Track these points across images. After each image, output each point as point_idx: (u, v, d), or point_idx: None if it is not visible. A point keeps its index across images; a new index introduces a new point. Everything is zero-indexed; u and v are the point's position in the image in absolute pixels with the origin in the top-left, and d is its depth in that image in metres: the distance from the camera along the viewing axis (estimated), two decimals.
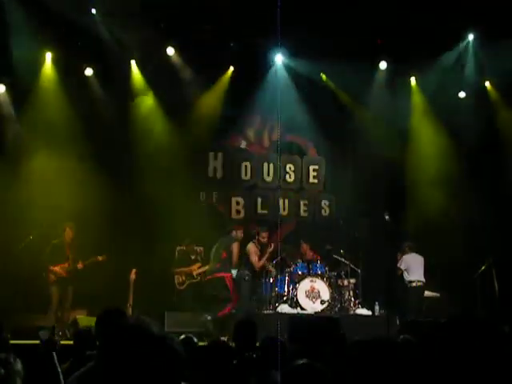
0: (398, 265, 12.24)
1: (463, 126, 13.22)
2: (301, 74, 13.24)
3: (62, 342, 9.48)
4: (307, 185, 14.33)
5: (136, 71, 12.79)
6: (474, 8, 11.16)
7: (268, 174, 14.13)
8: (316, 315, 11.51)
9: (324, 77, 13.63)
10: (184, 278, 12.06)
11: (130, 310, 10.70)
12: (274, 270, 12.07)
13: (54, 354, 4.62)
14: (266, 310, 11.71)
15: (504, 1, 11.01)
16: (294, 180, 14.25)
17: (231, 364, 4.15)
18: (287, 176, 14.23)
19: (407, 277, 12.20)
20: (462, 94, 13.70)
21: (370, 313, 11.94)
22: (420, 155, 13.72)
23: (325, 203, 14.32)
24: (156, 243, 11.99)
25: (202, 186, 13.73)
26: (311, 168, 14.34)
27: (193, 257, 12.26)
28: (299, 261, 12.38)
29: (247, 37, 12.29)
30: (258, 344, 5.43)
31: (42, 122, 11.90)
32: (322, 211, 14.28)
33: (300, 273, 12.16)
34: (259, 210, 13.99)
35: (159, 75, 12.82)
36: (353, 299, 12.24)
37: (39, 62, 12.15)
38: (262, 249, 12.08)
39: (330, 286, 12.05)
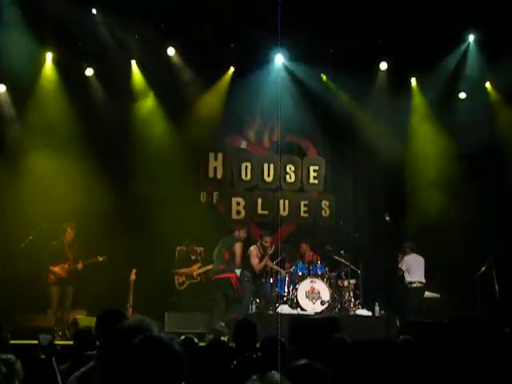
0: (399, 265, 12.24)
1: (463, 127, 13.21)
2: (301, 74, 13.23)
3: (62, 342, 9.53)
4: (307, 185, 14.32)
5: (136, 71, 12.78)
6: (474, 8, 11.17)
7: (268, 175, 14.13)
8: (316, 316, 11.51)
9: (324, 77, 13.62)
10: (184, 278, 12.06)
11: (130, 311, 10.70)
12: (280, 270, 12.12)
13: (54, 358, 4.62)
14: (270, 309, 11.73)
15: (504, 1, 11.00)
16: (295, 181, 14.25)
17: (231, 364, 4.15)
18: (287, 177, 14.22)
19: (408, 278, 12.20)
20: (462, 95, 13.70)
21: (370, 313, 11.93)
22: (420, 156, 13.71)
23: (325, 204, 14.31)
24: (156, 244, 11.99)
25: (202, 186, 13.73)
26: (311, 169, 14.34)
27: (193, 257, 12.26)
28: (299, 261, 12.38)
29: (247, 37, 12.29)
30: (258, 344, 5.43)
31: (43, 122, 11.90)
32: (323, 212, 14.27)
33: (300, 273, 12.15)
34: (259, 211, 13.98)
35: (159, 75, 12.83)
36: (353, 300, 12.23)
37: (39, 63, 12.15)
38: (264, 252, 12.08)
39: (330, 286, 12.04)
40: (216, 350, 4.35)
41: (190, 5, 11.41)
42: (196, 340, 5.02)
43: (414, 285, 12.15)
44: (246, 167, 14.03)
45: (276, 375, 2.48)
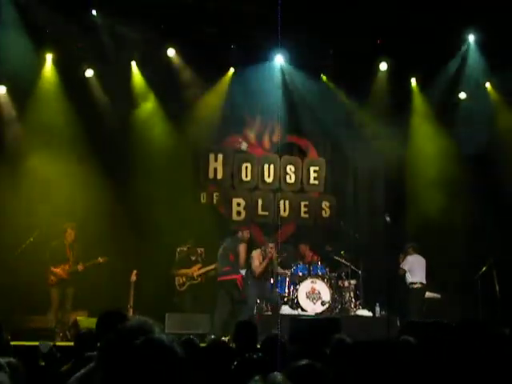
0: (402, 265, 12.22)
1: (463, 128, 13.22)
2: (301, 74, 13.23)
3: (63, 344, 9.54)
4: (308, 186, 14.32)
5: (136, 72, 12.78)
6: (474, 9, 11.16)
7: (268, 176, 14.12)
8: (317, 316, 11.51)
9: (324, 78, 13.62)
10: (184, 279, 12.06)
11: (130, 312, 10.70)
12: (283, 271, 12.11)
13: (53, 366, 4.63)
14: (269, 310, 11.74)
15: (504, 1, 11.00)
16: (295, 181, 14.24)
17: (232, 365, 4.15)
18: (288, 177, 14.22)
19: (409, 278, 12.19)
20: (462, 95, 13.70)
21: (370, 314, 11.94)
22: (420, 156, 13.71)
23: (325, 204, 14.31)
24: (157, 244, 11.99)
25: (202, 187, 13.74)
26: (312, 169, 14.33)
27: (193, 258, 12.25)
28: (300, 262, 12.38)
29: (247, 38, 12.29)
30: (258, 345, 5.43)
31: (43, 124, 11.89)
32: (323, 212, 14.27)
33: (300, 274, 12.16)
34: (260, 212, 13.98)
35: (159, 76, 12.83)
36: (353, 300, 12.24)
37: (39, 64, 12.14)
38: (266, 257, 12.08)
39: (330, 287, 12.05)
40: (216, 350, 4.35)
41: (191, 6, 11.42)
42: (197, 341, 5.02)
43: (416, 285, 12.15)
44: (247, 168, 14.03)
45: (279, 376, 2.48)
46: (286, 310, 11.67)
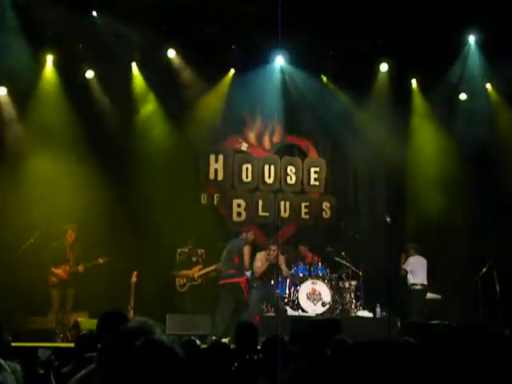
0: (404, 266, 12.20)
1: (464, 128, 13.22)
2: (301, 75, 13.23)
3: (64, 345, 9.54)
4: (308, 187, 14.31)
5: (137, 73, 12.79)
6: (474, 9, 11.16)
7: (269, 176, 14.11)
8: (317, 317, 11.52)
9: (324, 78, 13.62)
10: (185, 280, 12.05)
11: (131, 313, 10.70)
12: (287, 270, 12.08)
13: (51, 373, 4.63)
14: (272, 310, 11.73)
15: (504, 1, 11.00)
16: (295, 182, 14.24)
17: (232, 366, 4.15)
18: (288, 178, 14.21)
19: (411, 279, 12.17)
20: (462, 96, 13.70)
21: (371, 315, 11.94)
22: (420, 157, 13.71)
23: (326, 205, 14.30)
24: (157, 245, 11.98)
25: (203, 188, 13.73)
26: (312, 170, 14.32)
27: (194, 259, 12.25)
28: (300, 263, 12.38)
29: (248, 38, 12.29)
30: (259, 346, 5.43)
31: (43, 125, 11.89)
32: (323, 213, 14.26)
33: (301, 275, 12.16)
34: (260, 213, 13.97)
35: (160, 77, 12.83)
36: (354, 301, 12.24)
37: (40, 65, 12.15)
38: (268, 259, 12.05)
39: (331, 288, 12.05)
40: (217, 351, 4.35)
41: (190, 5, 11.43)
42: (198, 342, 5.02)
43: (417, 287, 12.13)
44: (247, 169, 14.02)
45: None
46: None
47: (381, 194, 14.27)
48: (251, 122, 14.17)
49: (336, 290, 12.19)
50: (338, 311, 12.00)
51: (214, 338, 10.51)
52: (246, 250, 11.45)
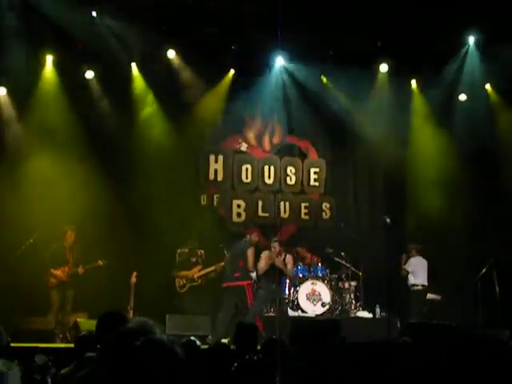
0: (406, 266, 12.18)
1: (464, 129, 13.23)
2: (301, 75, 13.23)
3: (63, 345, 9.54)
4: (308, 188, 14.31)
5: (136, 73, 12.78)
6: (474, 10, 11.17)
7: (269, 177, 14.11)
8: (317, 318, 11.51)
9: (324, 79, 13.62)
10: (185, 281, 12.04)
11: (130, 313, 10.69)
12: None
13: (49, 378, 4.63)
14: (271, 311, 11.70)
15: (504, 2, 11.01)
16: (295, 183, 14.23)
17: (232, 366, 4.14)
18: (288, 179, 14.21)
19: (412, 280, 12.15)
20: (462, 97, 13.70)
21: (370, 315, 11.94)
22: (421, 157, 13.72)
23: (326, 206, 14.30)
24: (157, 246, 11.98)
25: (202, 188, 13.73)
26: (312, 171, 14.32)
27: (194, 259, 12.24)
28: (300, 263, 12.37)
29: (248, 38, 12.29)
30: (258, 346, 5.43)
31: (43, 125, 11.89)
32: (323, 214, 14.26)
33: (301, 275, 12.16)
34: (260, 213, 13.97)
35: (160, 77, 12.83)
36: (354, 302, 12.25)
37: (40, 65, 12.15)
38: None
39: (330, 288, 12.06)
40: (217, 352, 4.35)
41: (190, 5, 11.42)
42: (198, 342, 5.02)
43: (417, 287, 12.12)
44: (247, 169, 14.02)
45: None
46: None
47: (381, 195, 14.27)
48: (251, 123, 14.17)
49: (336, 291, 12.20)
50: (337, 312, 12.00)
51: (210, 338, 10.49)
52: (250, 252, 11.38)
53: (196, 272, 12.08)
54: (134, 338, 2.14)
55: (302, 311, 11.76)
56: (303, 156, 14.41)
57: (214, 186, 13.85)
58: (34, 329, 10.72)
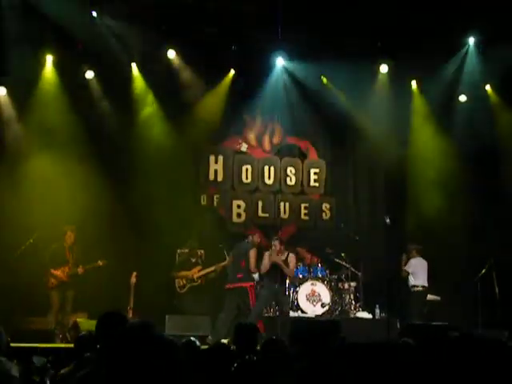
0: (406, 267, 12.16)
1: (464, 129, 13.24)
2: (301, 76, 13.24)
3: (63, 345, 9.54)
4: (308, 188, 14.31)
5: (137, 74, 12.79)
6: (474, 10, 11.17)
7: (269, 177, 14.11)
8: (317, 318, 11.51)
9: (325, 80, 13.62)
10: (185, 281, 12.04)
11: (130, 313, 10.69)
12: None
13: (47, 380, 4.63)
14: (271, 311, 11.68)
15: (504, 3, 11.01)
16: (295, 183, 14.23)
17: (232, 367, 4.15)
18: (288, 179, 14.21)
19: (412, 281, 12.13)
20: (462, 98, 13.70)
21: (370, 316, 11.94)
22: (421, 158, 13.72)
23: (326, 206, 14.30)
24: (157, 246, 11.98)
25: (202, 189, 13.73)
26: (312, 171, 14.32)
27: (193, 260, 12.23)
28: (300, 264, 12.37)
29: (248, 39, 12.29)
30: (258, 347, 5.42)
31: (43, 124, 11.90)
32: (323, 214, 14.26)
33: (301, 276, 12.17)
34: (260, 214, 13.97)
35: (160, 77, 12.83)
36: (353, 302, 12.25)
37: (40, 65, 12.15)
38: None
39: (330, 289, 12.06)
40: (217, 352, 4.35)
41: (190, 5, 11.43)
42: (198, 343, 5.02)
43: (418, 288, 12.10)
44: (247, 170, 14.03)
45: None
46: None
47: (380, 195, 14.27)
48: (251, 123, 14.17)
49: (335, 291, 12.20)
50: (337, 312, 12.00)
51: (210, 338, 10.47)
52: (252, 253, 11.35)
53: (196, 272, 12.08)
54: (134, 337, 2.14)
55: (302, 312, 11.76)
56: (303, 156, 14.40)
57: (214, 186, 13.86)
58: (34, 329, 10.72)
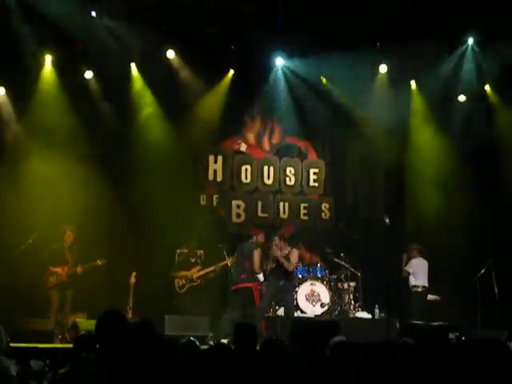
0: (407, 267, 12.14)
1: (463, 129, 13.24)
2: (301, 76, 13.24)
3: (62, 346, 9.54)
4: (307, 188, 14.30)
5: (136, 74, 12.78)
6: (474, 10, 11.17)
7: (268, 177, 14.11)
8: (316, 318, 11.51)
9: (324, 80, 13.62)
10: (184, 281, 12.04)
11: (129, 313, 10.69)
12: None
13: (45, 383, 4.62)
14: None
15: (504, 2, 11.02)
16: (295, 183, 14.23)
17: (232, 367, 4.15)
18: (287, 179, 14.20)
19: (413, 281, 12.09)
20: (461, 98, 13.70)
21: (369, 316, 11.94)
22: (420, 158, 13.72)
23: (325, 206, 14.29)
24: (156, 246, 11.98)
25: (202, 189, 13.72)
26: (311, 171, 14.32)
27: (193, 260, 12.23)
28: (299, 264, 12.35)
29: (247, 39, 12.29)
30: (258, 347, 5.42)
31: (42, 124, 11.90)
32: (322, 214, 14.26)
33: (300, 276, 12.16)
34: (259, 214, 13.97)
35: (159, 77, 12.82)
36: (353, 302, 12.25)
37: (39, 65, 12.14)
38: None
39: (330, 289, 12.06)
40: (217, 352, 4.35)
41: (190, 5, 11.42)
42: (197, 343, 5.02)
43: (418, 289, 12.06)
44: (246, 170, 14.02)
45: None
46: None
47: (380, 195, 14.27)
48: (250, 123, 14.17)
49: (335, 291, 12.20)
50: (336, 312, 12.01)
51: (211, 335, 10.46)
52: (256, 253, 11.32)
53: (195, 272, 12.07)
54: (133, 337, 2.14)
55: (301, 312, 11.76)
56: (303, 156, 14.40)
57: (213, 186, 13.86)
58: (34, 329, 10.72)
